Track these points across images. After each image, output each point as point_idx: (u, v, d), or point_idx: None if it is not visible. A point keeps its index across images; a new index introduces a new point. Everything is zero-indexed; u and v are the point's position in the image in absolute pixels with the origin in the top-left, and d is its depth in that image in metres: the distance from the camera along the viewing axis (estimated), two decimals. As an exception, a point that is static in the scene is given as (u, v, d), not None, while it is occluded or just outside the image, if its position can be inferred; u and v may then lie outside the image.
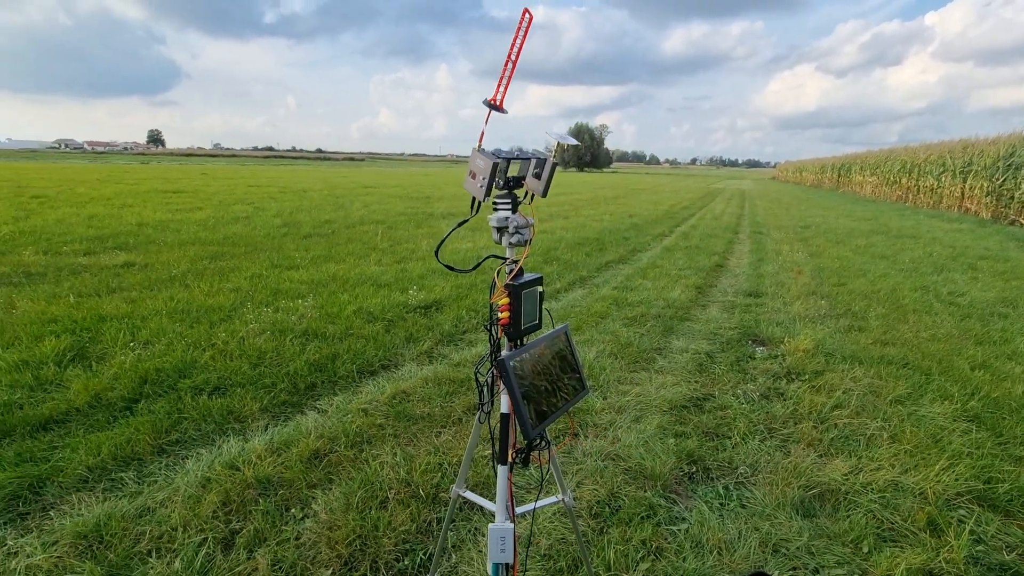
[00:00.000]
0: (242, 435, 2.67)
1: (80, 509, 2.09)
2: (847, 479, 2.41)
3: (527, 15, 1.08)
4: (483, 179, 1.12)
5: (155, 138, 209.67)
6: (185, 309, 4.40)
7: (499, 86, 1.14)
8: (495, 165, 1.12)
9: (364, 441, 2.63)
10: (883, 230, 11.70)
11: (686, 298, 5.45)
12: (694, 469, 2.50)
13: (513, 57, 1.12)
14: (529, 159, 1.24)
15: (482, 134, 1.16)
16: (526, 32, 1.10)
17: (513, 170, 1.25)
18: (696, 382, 3.44)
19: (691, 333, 4.43)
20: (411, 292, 5.10)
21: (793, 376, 3.54)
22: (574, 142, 1.32)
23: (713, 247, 8.83)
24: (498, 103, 1.14)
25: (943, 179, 18.62)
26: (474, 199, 1.17)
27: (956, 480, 2.37)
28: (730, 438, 2.77)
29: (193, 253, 6.76)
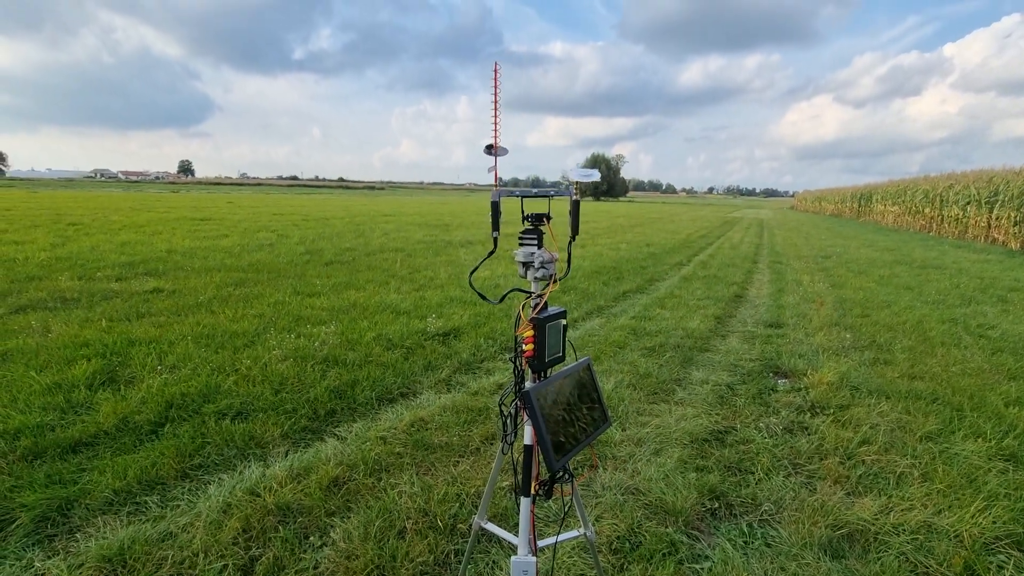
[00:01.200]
0: (263, 461, 2.69)
1: (105, 532, 2.12)
2: (877, 519, 2.33)
3: (496, 67, 1.25)
4: (491, 215, 1.28)
5: (186, 168, 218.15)
6: (210, 334, 4.51)
7: (494, 131, 1.26)
8: (495, 203, 1.26)
9: (382, 469, 2.64)
10: (907, 260, 11.48)
11: (705, 328, 5.40)
12: (716, 505, 2.45)
13: (497, 103, 1.26)
14: (548, 193, 1.30)
15: (495, 177, 1.28)
16: (495, 81, 1.25)
17: (533, 207, 1.30)
18: (717, 414, 3.39)
19: (711, 364, 4.38)
20: (429, 320, 5.15)
21: (817, 410, 3.46)
22: (596, 177, 1.33)
23: (732, 277, 8.76)
24: (493, 147, 1.26)
25: (969, 209, 18.31)
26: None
27: (994, 523, 2.28)
28: (753, 473, 2.71)
29: (219, 279, 6.95)
